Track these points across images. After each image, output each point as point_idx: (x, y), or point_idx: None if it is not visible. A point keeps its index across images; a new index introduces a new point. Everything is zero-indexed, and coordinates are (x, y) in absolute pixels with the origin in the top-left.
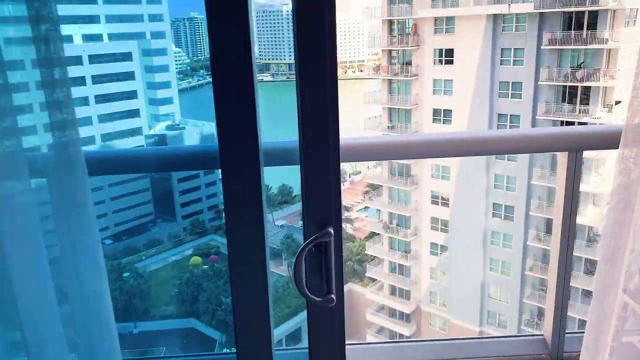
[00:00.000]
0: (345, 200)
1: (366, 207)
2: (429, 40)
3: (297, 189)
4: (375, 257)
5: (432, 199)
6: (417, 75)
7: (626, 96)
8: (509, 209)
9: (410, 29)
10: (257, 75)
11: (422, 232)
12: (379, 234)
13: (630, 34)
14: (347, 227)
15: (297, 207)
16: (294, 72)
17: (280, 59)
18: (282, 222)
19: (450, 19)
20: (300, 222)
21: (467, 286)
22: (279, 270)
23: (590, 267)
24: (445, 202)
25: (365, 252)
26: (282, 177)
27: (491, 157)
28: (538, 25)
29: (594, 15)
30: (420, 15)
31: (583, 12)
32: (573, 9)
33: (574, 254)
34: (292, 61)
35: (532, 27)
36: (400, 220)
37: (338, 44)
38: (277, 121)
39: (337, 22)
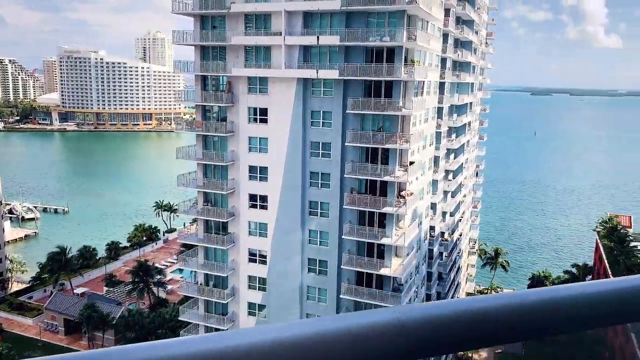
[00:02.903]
0: (158, 261)
1: (180, 269)
2: (243, 99)
3: (101, 250)
4: (190, 322)
5: (249, 256)
6: (233, 132)
7: (418, 158)
8: (322, 263)
9: (224, 86)
10: (60, 124)
11: (240, 292)
12: (193, 297)
13: (420, 102)
14: (159, 292)
15: (101, 271)
16: (102, 122)
17: (87, 107)
18: (83, 290)
19: (263, 79)
20: (106, 288)
21: None
22: (79, 346)
23: None
24: (263, 260)
25: (179, 317)
26: (82, 238)
27: (305, 211)
28: (343, 90)
29: (389, 84)
30: (234, 74)
31: (380, 81)
32: (372, 78)
33: (382, 303)
34: (99, 110)
35: (338, 92)
36: (217, 281)
37: (153, 95)
38: (83, 174)
39: (152, 73)
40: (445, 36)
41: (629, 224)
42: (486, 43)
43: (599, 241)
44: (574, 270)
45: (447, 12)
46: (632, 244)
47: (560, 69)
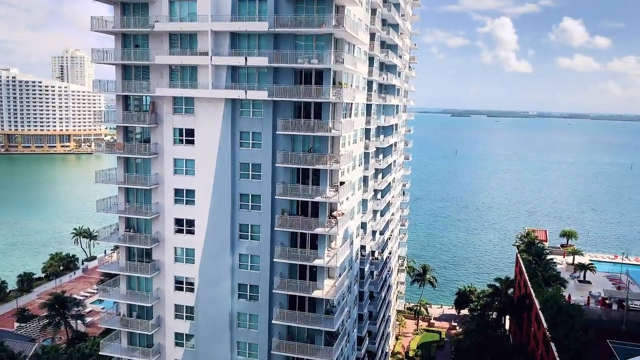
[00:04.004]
0: (77, 292)
1: (101, 300)
2: (168, 119)
3: (12, 283)
4: (112, 357)
5: (176, 284)
6: (157, 154)
7: (348, 178)
8: (253, 288)
9: (147, 106)
10: None
11: (166, 322)
12: (116, 329)
13: (348, 124)
14: (77, 325)
15: (12, 305)
16: (14, 144)
17: None
18: None
19: (189, 100)
20: (17, 324)
21: None
22: None
23: (330, 338)
24: (190, 287)
25: (100, 352)
26: None
27: (235, 234)
28: (273, 111)
29: (319, 105)
30: (157, 93)
31: (310, 102)
32: (301, 99)
33: (315, 327)
34: (11, 131)
35: (267, 113)
36: (141, 311)
37: (72, 115)
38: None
39: (70, 93)
40: (371, 59)
41: (545, 238)
42: (409, 67)
43: (518, 255)
44: (497, 284)
45: (372, 36)
46: (549, 257)
47: (478, 92)
